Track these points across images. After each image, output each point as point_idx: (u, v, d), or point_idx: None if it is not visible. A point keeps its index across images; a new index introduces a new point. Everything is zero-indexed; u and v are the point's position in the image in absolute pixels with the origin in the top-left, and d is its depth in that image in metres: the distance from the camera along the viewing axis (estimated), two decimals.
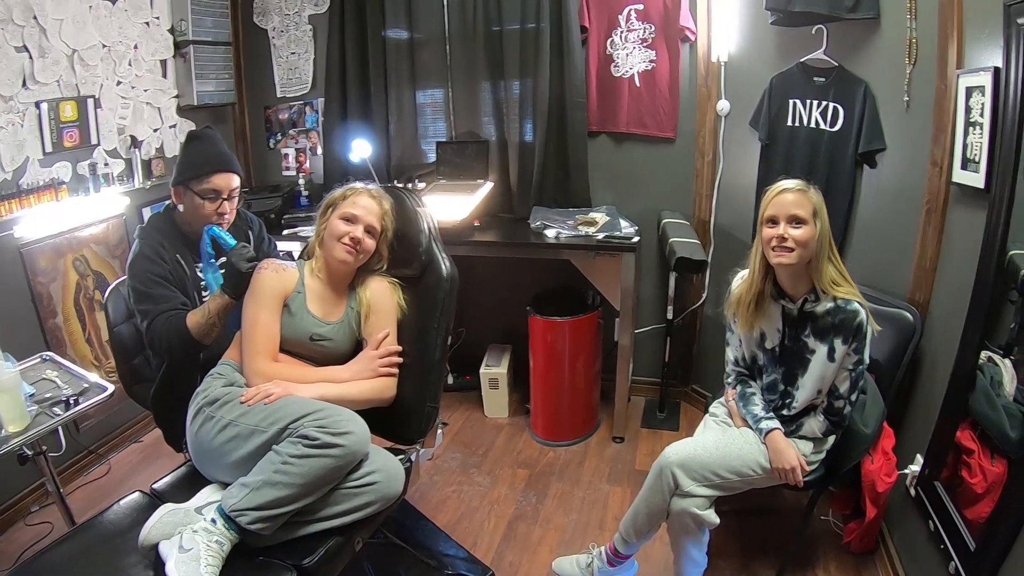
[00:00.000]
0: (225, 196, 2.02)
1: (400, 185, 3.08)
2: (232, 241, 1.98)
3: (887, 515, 2.22)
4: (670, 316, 3.08)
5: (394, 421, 1.92)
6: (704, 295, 3.16)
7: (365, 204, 1.88)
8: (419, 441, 1.94)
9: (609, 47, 3.03)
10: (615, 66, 3.04)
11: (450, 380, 3.49)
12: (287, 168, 3.66)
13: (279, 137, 3.64)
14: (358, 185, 1.93)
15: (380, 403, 1.85)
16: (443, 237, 2.70)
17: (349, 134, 3.21)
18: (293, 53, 3.48)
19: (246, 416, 1.62)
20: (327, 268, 1.89)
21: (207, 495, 1.65)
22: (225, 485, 1.62)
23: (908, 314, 2.14)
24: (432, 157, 3.36)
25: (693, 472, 1.89)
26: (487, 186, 3.12)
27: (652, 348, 3.33)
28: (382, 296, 1.92)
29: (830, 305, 1.85)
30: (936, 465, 1.98)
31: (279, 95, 3.56)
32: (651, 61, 2.97)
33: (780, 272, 1.89)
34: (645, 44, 2.96)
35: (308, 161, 3.60)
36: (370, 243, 1.87)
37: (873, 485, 2.08)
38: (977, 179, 1.84)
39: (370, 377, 1.84)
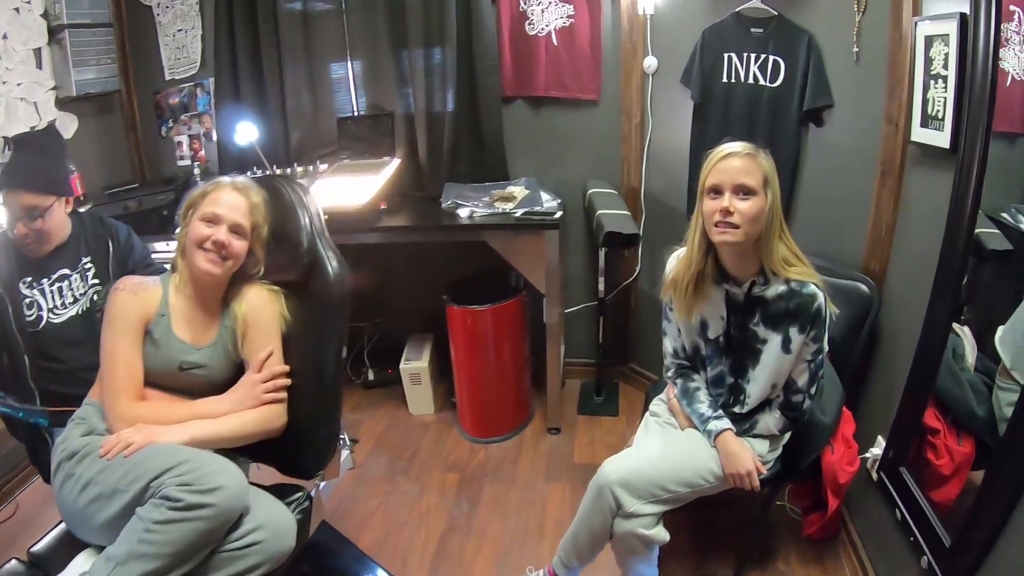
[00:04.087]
0: (20, 216, 1.80)
1: (301, 169, 2.77)
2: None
3: (847, 500, 2.09)
4: (602, 293, 2.87)
5: (288, 452, 1.66)
6: (638, 269, 2.96)
7: (228, 200, 1.57)
8: (318, 474, 1.69)
9: (522, 3, 2.73)
10: (530, 24, 2.74)
11: (371, 376, 3.24)
12: (181, 157, 3.29)
13: (171, 124, 3.26)
14: (222, 179, 1.63)
15: (269, 435, 1.59)
16: (347, 224, 2.46)
17: (244, 116, 2.88)
18: (180, 30, 3.10)
19: (106, 472, 1.38)
20: (193, 282, 1.59)
21: (80, 565, 1.42)
22: (102, 548, 1.39)
23: (864, 286, 1.97)
24: (335, 135, 3.03)
25: (637, 490, 1.65)
26: (394, 163, 2.80)
27: (585, 328, 3.12)
28: (261, 308, 1.63)
29: (782, 288, 1.60)
30: (901, 449, 1.85)
31: (168, 78, 3.17)
32: (569, 16, 2.70)
33: (723, 251, 1.62)
34: None
35: (203, 148, 3.24)
36: (239, 246, 1.57)
37: (835, 477, 1.94)
38: (941, 138, 1.67)
39: (254, 406, 1.56)
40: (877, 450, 1.95)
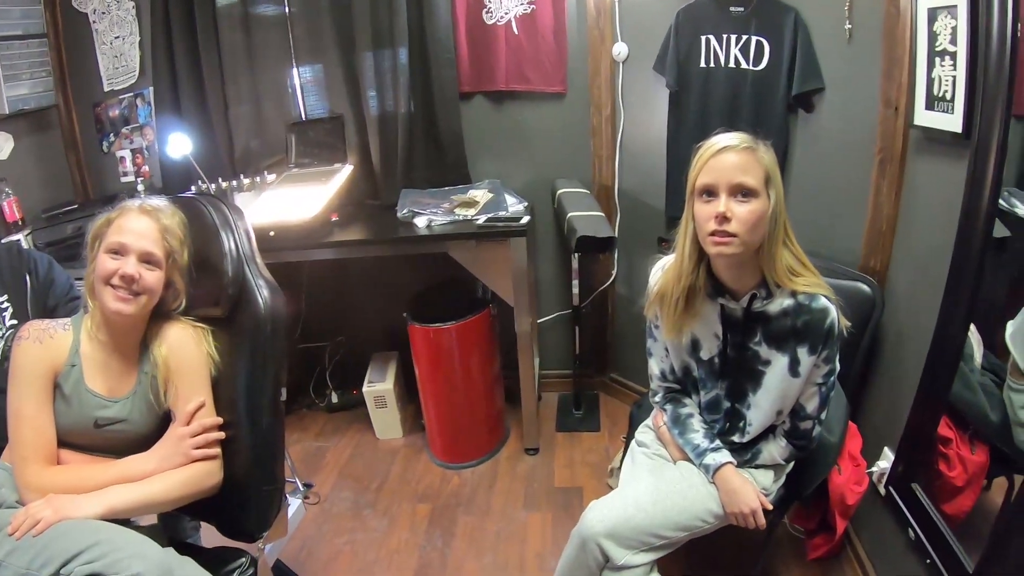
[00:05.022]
0: None
1: (247, 180, 2.55)
2: None
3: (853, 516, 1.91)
4: (576, 301, 2.69)
5: (227, 513, 1.44)
6: (614, 273, 2.78)
7: (136, 226, 1.35)
8: (261, 536, 1.46)
9: None
10: (487, 12, 2.53)
11: (334, 399, 3.01)
12: (125, 173, 3.02)
13: (112, 138, 3.00)
14: (128, 203, 1.40)
15: (203, 495, 1.38)
16: (296, 240, 2.23)
17: (185, 126, 2.66)
18: (117, 37, 2.84)
19: (16, 555, 1.18)
20: (105, 324, 1.37)
21: None
22: None
23: (865, 286, 1.81)
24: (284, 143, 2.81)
25: (626, 540, 1.45)
26: (346, 170, 2.58)
27: (560, 337, 2.94)
28: (184, 349, 1.41)
29: (788, 303, 1.39)
30: (912, 462, 1.70)
31: (107, 89, 2.91)
32: (530, 3, 2.49)
33: (719, 262, 1.41)
34: None
35: (147, 162, 2.99)
36: (152, 278, 1.35)
37: (843, 499, 1.78)
38: (951, 121, 1.51)
39: (183, 464, 1.35)
40: (885, 463, 1.80)
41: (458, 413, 2.56)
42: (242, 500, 1.42)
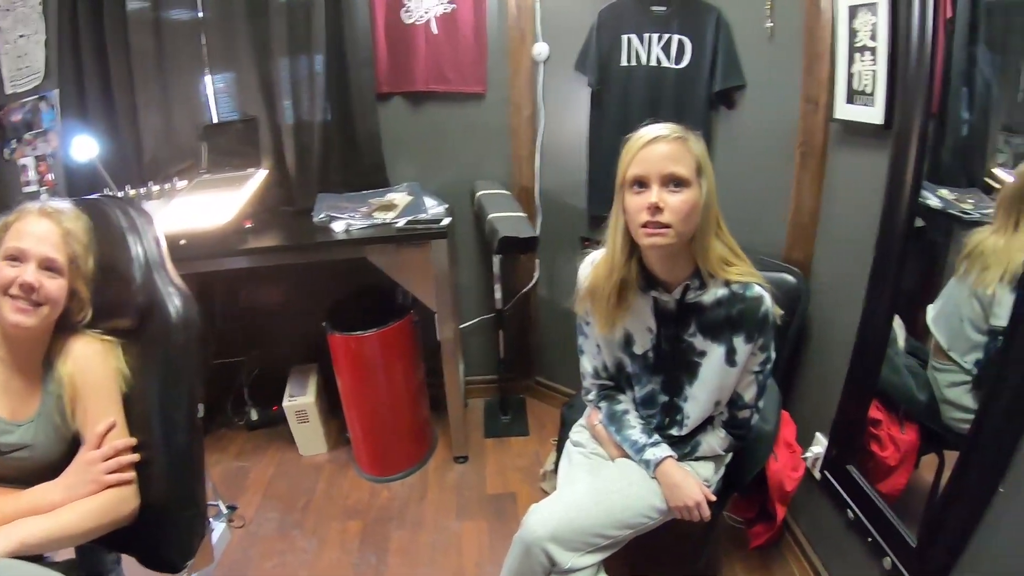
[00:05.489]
0: None
1: (157, 187, 2.36)
2: None
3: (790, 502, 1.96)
4: (499, 304, 2.64)
5: (147, 542, 1.31)
6: (536, 275, 2.75)
7: (35, 230, 1.22)
8: (185, 565, 1.34)
9: None
10: (406, 11, 2.45)
11: (254, 416, 2.82)
12: (28, 183, 2.70)
13: (14, 145, 2.67)
14: (27, 205, 1.27)
15: (119, 524, 1.23)
16: (208, 248, 2.07)
17: (91, 131, 2.40)
18: (22, 36, 2.55)
19: None
20: (4, 340, 1.21)
21: None
22: None
23: (790, 277, 1.86)
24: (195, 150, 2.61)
25: (571, 542, 1.41)
26: (260, 174, 2.42)
27: (483, 342, 2.88)
28: (91, 365, 1.27)
29: (722, 292, 1.39)
30: (846, 446, 1.76)
31: (8, 91, 2.61)
32: (450, 2, 2.43)
33: (651, 255, 1.38)
34: None
35: (51, 171, 2.69)
36: (53, 286, 1.21)
37: (781, 485, 1.82)
38: (872, 113, 1.58)
39: (95, 491, 1.21)
40: (818, 448, 1.86)
41: (384, 424, 2.45)
42: (162, 527, 1.29)
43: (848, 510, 1.70)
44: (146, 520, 1.27)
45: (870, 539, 1.60)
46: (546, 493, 2.32)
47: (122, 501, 1.23)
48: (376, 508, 2.36)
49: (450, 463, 2.58)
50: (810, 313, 1.88)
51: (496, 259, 2.54)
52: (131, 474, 1.25)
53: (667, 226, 1.27)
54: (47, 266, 1.19)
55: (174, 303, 1.33)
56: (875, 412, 1.69)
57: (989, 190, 1.48)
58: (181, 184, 2.38)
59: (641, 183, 1.30)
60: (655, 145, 1.29)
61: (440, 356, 2.44)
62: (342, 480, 2.52)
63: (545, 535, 1.39)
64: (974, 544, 1.27)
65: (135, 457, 1.26)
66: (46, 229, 1.21)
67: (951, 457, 1.47)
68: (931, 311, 1.62)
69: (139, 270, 1.32)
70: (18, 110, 2.64)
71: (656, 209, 1.27)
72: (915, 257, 1.61)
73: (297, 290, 2.70)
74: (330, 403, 2.70)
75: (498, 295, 2.62)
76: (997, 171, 1.48)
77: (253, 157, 2.47)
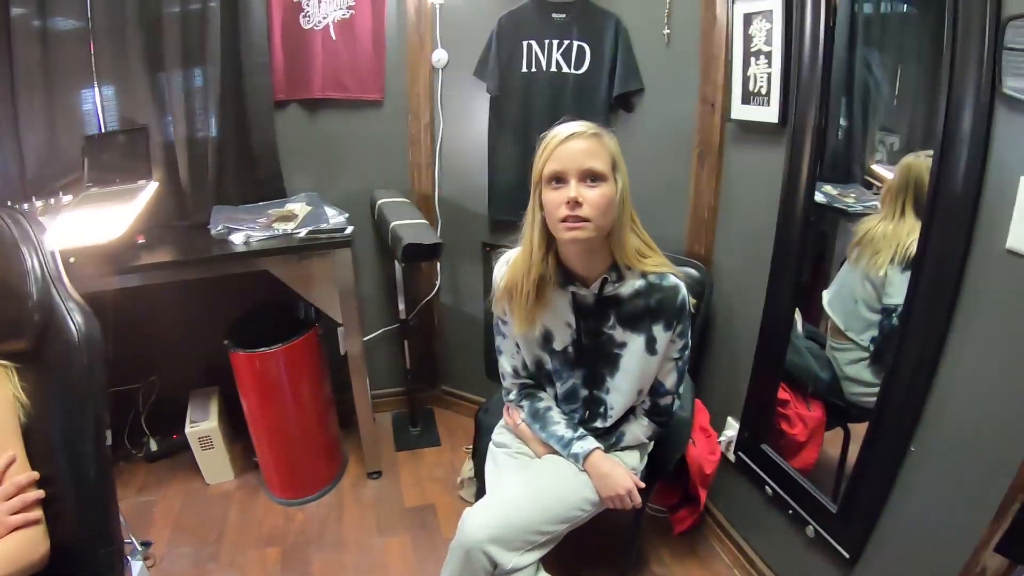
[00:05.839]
0: None
1: (40, 203, 2.13)
2: None
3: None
4: (403, 314, 2.58)
5: None
6: (437, 283, 2.71)
7: None
8: None
9: None
10: (305, 16, 2.35)
11: (153, 446, 2.59)
12: None
13: None
14: None
15: (30, 571, 1.09)
16: (98, 266, 1.90)
17: None
18: None
19: None
20: None
21: None
22: None
23: (694, 270, 1.95)
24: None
25: (511, 542, 1.40)
26: (151, 187, 2.22)
27: (388, 354, 2.80)
28: None
29: (639, 284, 1.43)
30: (758, 428, 1.86)
31: None
32: (349, 7, 2.36)
33: (569, 250, 1.40)
34: None
35: None
36: None
37: (701, 469, 1.89)
38: (767, 113, 1.69)
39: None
40: (731, 432, 1.95)
41: (293, 444, 2.32)
42: (78, 569, 1.15)
43: (766, 487, 1.79)
44: (60, 563, 1.12)
45: (791, 511, 1.69)
46: (465, 501, 2.30)
47: (31, 545, 1.08)
48: (293, 532, 2.23)
49: (364, 479, 2.49)
50: (714, 303, 1.98)
51: (399, 268, 2.49)
52: (37, 513, 1.10)
53: (586, 220, 1.29)
54: None
55: (75, 319, 1.19)
56: (782, 393, 1.80)
57: (869, 185, 1.64)
58: (66, 199, 2.14)
59: (559, 179, 1.31)
60: (572, 142, 1.31)
61: (346, 370, 2.36)
62: (254, 506, 2.36)
63: (485, 537, 1.38)
64: (893, 500, 1.38)
65: (40, 493, 1.11)
66: None
67: (857, 430, 1.61)
68: (826, 296, 1.76)
69: (34, 284, 1.17)
70: None
71: (575, 204, 1.29)
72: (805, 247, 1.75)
73: (195, 308, 2.49)
74: (234, 426, 2.53)
75: (402, 305, 2.57)
76: (876, 167, 1.65)
77: (142, 169, 2.26)
